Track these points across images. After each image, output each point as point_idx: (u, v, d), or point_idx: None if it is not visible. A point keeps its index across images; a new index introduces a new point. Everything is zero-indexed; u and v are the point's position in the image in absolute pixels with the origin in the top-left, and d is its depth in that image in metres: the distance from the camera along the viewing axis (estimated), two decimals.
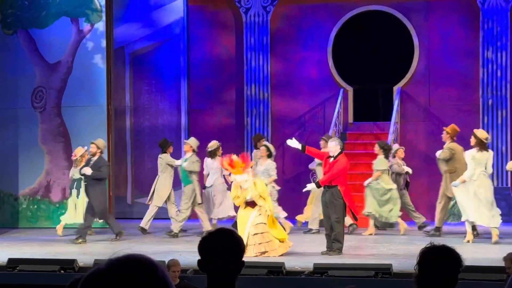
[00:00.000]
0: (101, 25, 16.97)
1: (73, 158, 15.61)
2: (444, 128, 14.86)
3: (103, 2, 16.92)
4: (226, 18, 18.68)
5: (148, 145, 18.33)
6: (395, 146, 15.84)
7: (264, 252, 12.01)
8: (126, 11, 18.63)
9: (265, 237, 12.10)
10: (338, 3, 18.18)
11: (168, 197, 15.38)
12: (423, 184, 17.09)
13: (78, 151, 15.53)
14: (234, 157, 12.52)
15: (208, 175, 15.46)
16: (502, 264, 8.30)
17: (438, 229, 14.50)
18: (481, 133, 13.75)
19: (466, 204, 13.55)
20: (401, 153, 15.56)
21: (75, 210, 15.19)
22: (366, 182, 15.12)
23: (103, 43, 16.97)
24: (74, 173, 15.40)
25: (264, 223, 12.17)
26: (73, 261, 10.96)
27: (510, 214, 17.00)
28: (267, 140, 18.26)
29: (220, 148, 15.56)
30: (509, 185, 17.09)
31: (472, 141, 13.65)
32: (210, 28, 18.73)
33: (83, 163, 15.36)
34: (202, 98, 18.66)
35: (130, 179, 18.66)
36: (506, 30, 17.26)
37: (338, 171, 12.16)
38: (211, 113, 18.55)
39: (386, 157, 15.19)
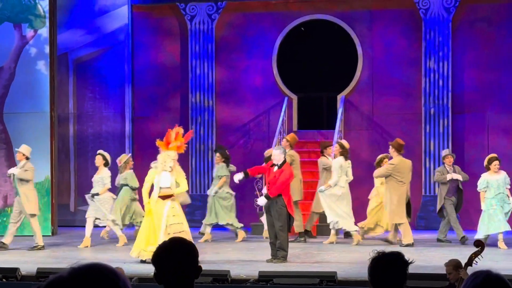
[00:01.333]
0: (44, 31, 16.82)
1: (119, 164, 15.64)
2: (284, 136, 15.75)
3: (46, 8, 16.78)
4: (171, 26, 18.66)
5: (91, 153, 18.15)
6: (445, 152, 15.52)
7: None
8: (70, 17, 18.48)
9: None
10: (282, 11, 18.29)
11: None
12: (366, 192, 17.22)
13: (123, 158, 15.64)
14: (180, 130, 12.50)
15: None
16: (443, 271, 8.40)
17: (302, 234, 15.21)
18: (346, 143, 15.00)
19: (331, 209, 14.61)
20: (449, 160, 15.17)
21: (120, 214, 15.26)
22: (212, 192, 15.27)
23: (47, 49, 16.82)
24: (120, 179, 15.51)
25: (178, 223, 12.09)
26: (15, 270, 10.83)
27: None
28: (211, 149, 18.26)
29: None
30: None
31: (337, 150, 14.83)
32: (154, 35, 18.69)
33: (127, 170, 15.40)
34: (146, 105, 18.59)
35: (73, 186, 18.49)
36: (447, 40, 17.53)
37: (285, 181, 12.25)
38: (156, 121, 18.49)
39: (228, 164, 15.56)
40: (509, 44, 17.28)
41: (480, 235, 13.86)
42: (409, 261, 4.02)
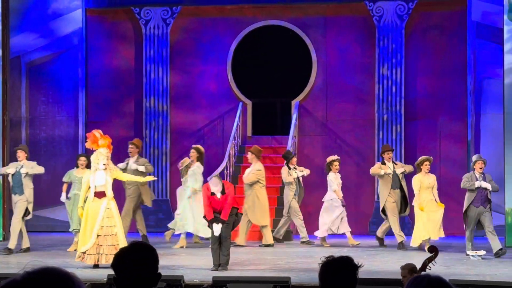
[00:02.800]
0: None
1: (180, 168, 15.63)
2: (132, 142, 15.68)
3: None
4: (126, 30, 18.57)
5: (44, 157, 17.96)
6: (475, 157, 14.23)
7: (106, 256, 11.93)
8: (23, 21, 18.30)
9: (108, 240, 11.99)
10: (237, 17, 18.31)
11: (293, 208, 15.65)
12: (320, 197, 17.30)
13: (185, 162, 15.58)
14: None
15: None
16: (398, 276, 8.46)
17: (144, 237, 15.32)
18: (201, 148, 15.41)
19: (188, 216, 14.91)
20: (479, 167, 14.03)
21: (192, 217, 15.12)
22: (68, 196, 14.86)
23: None
24: (183, 182, 15.42)
25: (110, 226, 12.04)
26: None
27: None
28: (165, 153, 18.19)
29: (335, 162, 15.54)
30: None
31: (194, 155, 15.10)
32: (109, 39, 18.58)
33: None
34: (100, 110, 18.47)
35: None
36: (401, 47, 17.70)
37: (233, 198, 12.27)
38: (110, 125, 18.34)
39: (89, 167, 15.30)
40: (460, 52, 17.50)
41: None
42: (359, 265, 4.04)
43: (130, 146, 15.63)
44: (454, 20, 17.57)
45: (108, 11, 18.53)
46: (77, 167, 14.91)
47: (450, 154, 17.45)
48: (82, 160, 14.87)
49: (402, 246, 14.66)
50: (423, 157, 14.75)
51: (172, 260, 12.81)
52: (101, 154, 12.22)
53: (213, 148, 17.88)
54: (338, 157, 15.83)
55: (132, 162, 15.47)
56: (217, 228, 12.13)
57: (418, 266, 7.41)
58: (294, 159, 16.02)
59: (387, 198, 15.03)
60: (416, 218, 14.37)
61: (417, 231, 14.26)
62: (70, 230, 14.72)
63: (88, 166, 14.53)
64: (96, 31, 18.55)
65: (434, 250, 7.02)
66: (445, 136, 17.56)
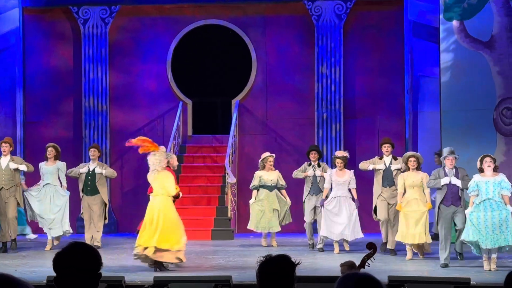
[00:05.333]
0: None
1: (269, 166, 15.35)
2: (5, 141, 14.95)
3: None
4: (64, 29, 18.40)
5: None
6: (446, 151, 12.70)
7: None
8: None
9: None
10: (176, 16, 18.28)
11: None
12: None
13: (263, 157, 15.45)
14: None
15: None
16: (338, 273, 8.55)
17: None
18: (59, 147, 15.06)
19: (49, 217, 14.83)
20: (450, 163, 12.45)
21: (262, 217, 15.07)
22: None
23: None
24: (264, 179, 15.18)
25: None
26: None
27: None
28: (106, 153, 18.08)
29: (337, 160, 14.01)
30: None
31: (53, 154, 14.77)
32: (47, 38, 18.40)
33: (265, 170, 15.19)
34: (38, 110, 18.27)
35: None
36: (339, 46, 17.86)
37: None
38: (48, 125, 18.19)
39: None
40: (397, 51, 17.73)
41: None
42: (296, 263, 4.05)
43: (3, 145, 14.66)
44: (391, 20, 17.80)
45: (45, 10, 18.34)
46: None
47: None
48: None
49: (392, 252, 13.60)
50: (408, 153, 13.69)
51: (113, 261, 12.76)
52: (162, 155, 12.18)
53: None
54: (344, 155, 14.08)
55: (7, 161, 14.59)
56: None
57: (358, 263, 7.50)
58: (313, 154, 14.48)
59: (378, 196, 13.73)
60: (399, 217, 13.13)
61: (399, 231, 13.01)
62: None
63: None
64: (34, 30, 18.35)
65: (372, 246, 7.10)
66: (383, 134, 17.72)
